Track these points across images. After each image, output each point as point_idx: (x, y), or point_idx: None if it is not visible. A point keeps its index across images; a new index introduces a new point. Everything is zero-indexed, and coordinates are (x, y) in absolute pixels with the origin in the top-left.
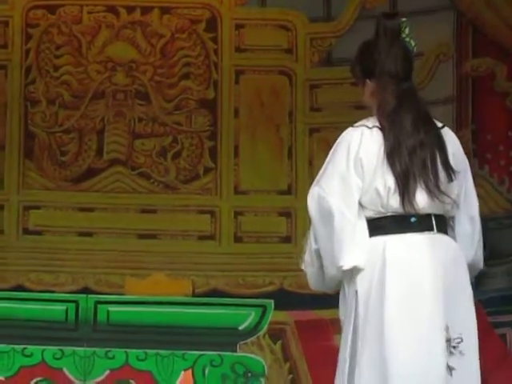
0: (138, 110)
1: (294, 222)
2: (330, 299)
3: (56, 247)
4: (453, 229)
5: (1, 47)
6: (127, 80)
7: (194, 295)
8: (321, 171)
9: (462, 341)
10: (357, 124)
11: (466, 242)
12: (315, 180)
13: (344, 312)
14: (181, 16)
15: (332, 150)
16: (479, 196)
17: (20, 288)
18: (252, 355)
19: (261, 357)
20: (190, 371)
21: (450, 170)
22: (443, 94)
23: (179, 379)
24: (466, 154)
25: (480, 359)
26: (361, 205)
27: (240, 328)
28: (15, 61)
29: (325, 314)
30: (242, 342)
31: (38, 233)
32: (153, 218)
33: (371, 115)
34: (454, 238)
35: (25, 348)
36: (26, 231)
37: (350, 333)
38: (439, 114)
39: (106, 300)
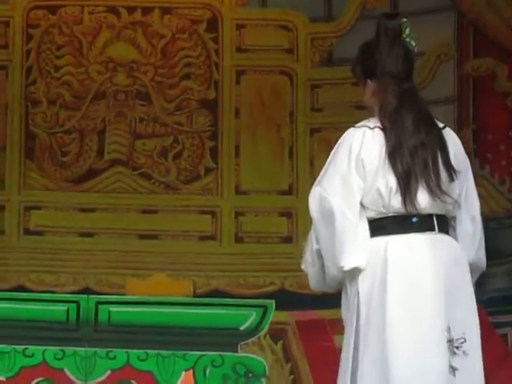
0: (139, 111)
1: (294, 223)
2: (330, 299)
3: (57, 247)
4: (454, 229)
5: (2, 47)
6: (128, 80)
7: (195, 295)
8: (322, 171)
9: (465, 341)
10: (358, 124)
11: (467, 242)
12: (316, 180)
13: (346, 312)
14: (181, 16)
15: (333, 150)
16: (480, 196)
17: (21, 288)
18: (253, 355)
19: (262, 357)
20: (191, 371)
21: (451, 170)
22: (444, 94)
23: (180, 379)
24: (466, 153)
25: (483, 359)
26: (362, 205)
27: (241, 328)
28: (16, 61)
29: (326, 314)
30: (243, 343)
31: (39, 233)
32: (154, 219)
33: (372, 115)
34: (455, 238)
35: (26, 348)
36: (27, 232)
37: (353, 333)
38: (440, 114)
39: (107, 300)
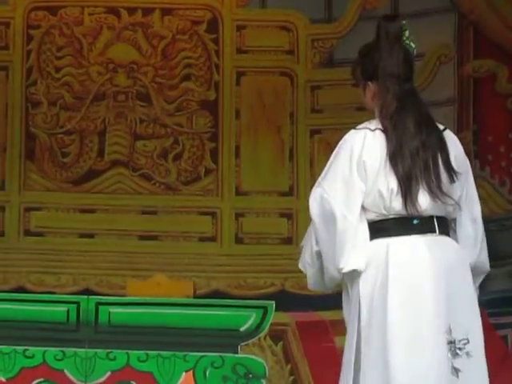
0: (139, 112)
1: (295, 224)
2: (331, 300)
3: (57, 248)
4: (454, 231)
5: (2, 48)
6: (128, 81)
7: (195, 296)
8: (323, 173)
9: (468, 342)
10: (359, 126)
11: (468, 243)
12: (317, 182)
13: (348, 313)
14: (182, 17)
15: (334, 152)
16: (480, 197)
17: (21, 289)
18: (253, 356)
19: (262, 358)
20: (191, 372)
21: (451, 172)
22: (444, 96)
23: (180, 380)
24: (467, 155)
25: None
26: (363, 207)
27: (241, 329)
28: (16, 62)
29: (326, 315)
30: (243, 344)
31: (40, 234)
32: (154, 220)
33: (373, 117)
34: (456, 240)
35: (26, 349)
36: (28, 232)
37: (355, 335)
38: (440, 116)
39: (108, 301)
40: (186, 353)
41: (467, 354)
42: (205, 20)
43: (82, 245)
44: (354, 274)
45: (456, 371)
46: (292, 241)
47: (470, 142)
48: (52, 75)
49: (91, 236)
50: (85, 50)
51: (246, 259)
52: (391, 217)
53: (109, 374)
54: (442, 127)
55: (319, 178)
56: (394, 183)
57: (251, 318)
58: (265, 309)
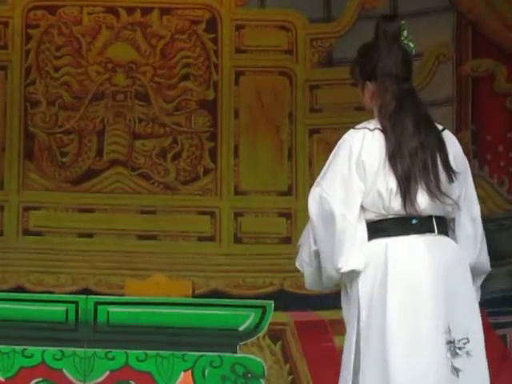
0: (138, 111)
1: (293, 223)
2: (330, 300)
3: (56, 248)
4: (453, 231)
5: (1, 48)
6: (127, 81)
7: (194, 296)
8: (322, 173)
9: (468, 341)
10: (358, 126)
11: (468, 243)
12: (316, 181)
13: (347, 312)
14: (181, 17)
15: (333, 151)
16: (479, 197)
17: (20, 289)
18: (252, 356)
19: (261, 358)
20: (189, 372)
21: (450, 171)
22: (443, 95)
23: (179, 380)
24: (465, 154)
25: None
26: (362, 207)
27: (240, 329)
28: (15, 61)
29: (325, 314)
30: (242, 343)
31: (38, 234)
32: (153, 219)
33: (371, 116)
34: (454, 240)
35: (25, 349)
36: (26, 232)
37: (354, 335)
38: (439, 115)
39: (106, 301)
40: (184, 352)
41: (467, 353)
42: (203, 20)
43: (80, 244)
44: (353, 274)
45: (456, 371)
46: (291, 240)
47: (468, 141)
48: (51, 75)
49: (90, 235)
50: (83, 50)
51: (244, 259)
52: (390, 217)
53: (108, 373)
54: (440, 127)
55: (318, 178)
56: (393, 183)
57: (250, 318)
58: (263, 308)
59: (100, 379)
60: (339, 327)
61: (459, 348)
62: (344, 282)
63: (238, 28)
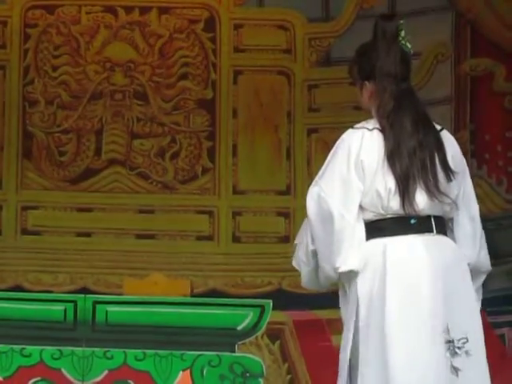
0: (137, 110)
1: (292, 222)
2: (328, 299)
3: (54, 247)
4: (452, 231)
5: None
6: (125, 80)
7: (193, 295)
8: (320, 172)
9: (467, 341)
10: (357, 126)
11: (467, 242)
12: (314, 181)
13: (345, 312)
14: (179, 16)
15: (332, 151)
16: (477, 196)
17: (18, 288)
18: (250, 355)
19: (259, 357)
20: (188, 371)
21: (448, 171)
22: (441, 94)
23: (177, 379)
24: (464, 154)
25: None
26: (360, 207)
27: (238, 328)
28: (13, 61)
29: (323, 314)
30: (240, 342)
31: (37, 233)
32: (151, 218)
33: (370, 116)
34: (453, 239)
35: (23, 348)
36: (25, 231)
37: (351, 335)
38: (437, 114)
39: (105, 300)
40: (183, 352)
41: (466, 352)
42: (202, 19)
43: (79, 244)
44: (351, 274)
45: (456, 370)
46: (289, 239)
47: (467, 140)
48: (49, 74)
49: (88, 235)
50: (82, 49)
51: (243, 258)
52: (389, 216)
53: (106, 372)
54: (439, 127)
55: (316, 177)
56: (391, 183)
57: (248, 317)
58: (262, 308)
59: (98, 378)
60: (337, 326)
61: (458, 347)
62: (342, 282)
63: (237, 27)
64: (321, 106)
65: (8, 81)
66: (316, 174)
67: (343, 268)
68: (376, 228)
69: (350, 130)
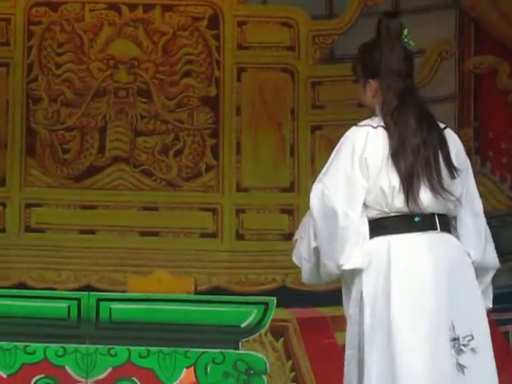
0: (140, 108)
1: (295, 220)
2: (332, 296)
3: (58, 245)
4: (455, 229)
5: (3, 45)
6: (129, 78)
7: (196, 293)
8: (324, 169)
9: (472, 338)
10: (361, 123)
11: (471, 240)
12: (318, 178)
13: (347, 308)
14: (183, 13)
15: (336, 148)
16: (481, 194)
17: (22, 286)
18: (254, 352)
19: (263, 354)
20: (192, 368)
21: (452, 168)
22: (445, 92)
23: (181, 376)
24: (467, 151)
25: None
26: (364, 204)
27: (242, 325)
28: (17, 58)
29: (327, 311)
30: (244, 340)
31: (40, 230)
32: (155, 216)
33: (373, 113)
34: (457, 237)
35: (27, 345)
36: (28, 229)
37: (357, 334)
38: (441, 112)
39: (108, 297)
40: (187, 349)
41: (472, 350)
42: (205, 16)
43: (82, 241)
44: (355, 272)
45: (461, 368)
46: (293, 237)
47: (470, 138)
48: (53, 71)
49: (92, 232)
50: (85, 47)
51: (246, 255)
52: (392, 214)
53: (110, 370)
54: (442, 125)
55: (320, 175)
56: (396, 180)
57: (252, 314)
58: (266, 305)
59: (102, 376)
60: (341, 324)
61: (464, 345)
62: (345, 279)
63: (240, 24)
64: (324, 103)
65: (12, 78)
66: (320, 171)
67: (347, 266)
68: (380, 226)
69: (353, 128)
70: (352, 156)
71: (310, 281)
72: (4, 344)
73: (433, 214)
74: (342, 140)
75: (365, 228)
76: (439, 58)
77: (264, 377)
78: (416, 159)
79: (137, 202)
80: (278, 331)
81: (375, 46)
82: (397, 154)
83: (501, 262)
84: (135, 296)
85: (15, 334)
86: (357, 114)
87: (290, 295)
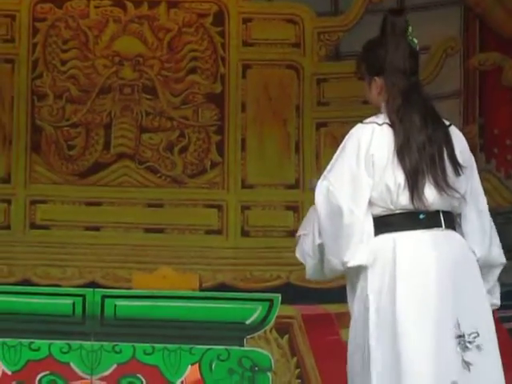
0: (145, 105)
1: (300, 216)
2: (337, 293)
3: (63, 241)
4: (460, 226)
5: (8, 41)
6: (134, 74)
7: (201, 289)
8: (329, 166)
9: (478, 335)
10: (366, 120)
11: (476, 237)
12: (323, 175)
13: (352, 305)
14: (188, 10)
15: (341, 145)
16: (486, 190)
17: (27, 282)
18: (259, 349)
19: (268, 351)
20: (196, 365)
21: (457, 165)
22: (450, 89)
23: (186, 373)
24: (472, 148)
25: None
26: (369, 202)
27: (247, 322)
28: (22, 55)
29: (332, 308)
30: (249, 337)
31: (45, 227)
32: (160, 212)
33: (379, 110)
34: (461, 234)
35: (32, 342)
36: (33, 225)
37: (361, 330)
38: (446, 109)
39: (113, 294)
40: (191, 346)
41: (477, 347)
42: (211, 13)
43: (87, 238)
44: (359, 269)
45: (467, 365)
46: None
47: (475, 135)
48: (58, 68)
49: (97, 229)
50: (91, 43)
51: (251, 252)
52: (398, 212)
53: (115, 366)
54: (447, 123)
55: (325, 171)
56: (401, 177)
57: (257, 311)
58: (271, 302)
59: (107, 372)
60: (346, 320)
61: (469, 342)
62: (349, 276)
63: (246, 21)
64: (330, 100)
65: (17, 75)
66: (325, 168)
67: (352, 263)
68: (385, 223)
69: (359, 125)
70: (357, 153)
71: (314, 277)
72: (9, 341)
73: (437, 212)
74: (347, 137)
75: (370, 225)
76: (444, 54)
77: (269, 373)
78: (421, 156)
79: (142, 199)
80: (282, 328)
81: (380, 44)
82: (402, 151)
83: (506, 258)
84: (140, 293)
85: (20, 331)
86: (362, 110)
87: (295, 292)
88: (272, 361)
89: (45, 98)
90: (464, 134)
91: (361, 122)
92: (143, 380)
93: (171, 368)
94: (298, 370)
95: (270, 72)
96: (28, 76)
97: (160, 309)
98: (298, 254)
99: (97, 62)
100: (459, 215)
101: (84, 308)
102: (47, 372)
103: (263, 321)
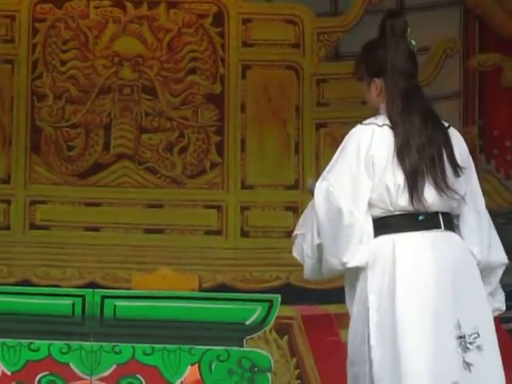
0: (145, 105)
1: (300, 217)
2: (336, 294)
3: (63, 242)
4: (458, 227)
5: (8, 42)
6: (134, 75)
7: (201, 290)
8: (328, 167)
9: (478, 336)
10: (366, 121)
11: (475, 238)
12: (322, 176)
13: (351, 305)
14: (188, 10)
15: (341, 146)
16: (485, 191)
17: (27, 282)
18: (259, 350)
19: (267, 352)
20: (196, 366)
21: (456, 166)
22: (450, 89)
23: (186, 374)
24: (472, 149)
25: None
26: (369, 203)
27: (247, 323)
28: (22, 55)
29: (331, 308)
30: (248, 337)
31: (45, 228)
32: (159, 213)
33: (377, 111)
34: (460, 236)
35: (31, 342)
36: (33, 226)
37: (360, 330)
38: (446, 110)
39: (113, 295)
40: (191, 346)
41: (478, 347)
42: (210, 13)
43: (87, 238)
44: (358, 269)
45: (468, 365)
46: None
47: (475, 136)
48: (57, 68)
49: (97, 229)
50: (90, 44)
51: (251, 253)
52: (397, 213)
53: (114, 367)
54: (446, 124)
55: (324, 172)
56: (400, 179)
57: (257, 312)
58: (270, 302)
59: (106, 373)
60: (345, 321)
61: (470, 343)
62: (348, 276)
63: (245, 22)
64: (329, 100)
65: (16, 75)
66: (324, 168)
67: (351, 263)
68: (384, 224)
69: (359, 126)
70: (357, 154)
71: (312, 276)
72: (8, 341)
73: (437, 213)
74: (346, 138)
75: (369, 226)
76: (444, 55)
77: (268, 374)
78: (421, 157)
79: (141, 200)
80: (282, 328)
81: (379, 45)
82: (402, 153)
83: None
84: (140, 293)
85: (19, 331)
86: (362, 111)
87: (295, 292)
88: (271, 361)
89: (44, 98)
90: (464, 135)
91: (360, 122)
92: (143, 380)
93: (171, 368)
94: (298, 371)
95: (270, 72)
96: (28, 76)
97: (160, 309)
98: (295, 254)
99: (96, 62)
100: (457, 216)
101: (83, 308)
102: (47, 372)
103: (263, 321)
